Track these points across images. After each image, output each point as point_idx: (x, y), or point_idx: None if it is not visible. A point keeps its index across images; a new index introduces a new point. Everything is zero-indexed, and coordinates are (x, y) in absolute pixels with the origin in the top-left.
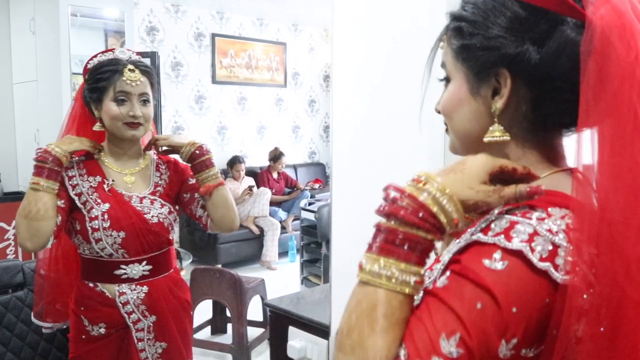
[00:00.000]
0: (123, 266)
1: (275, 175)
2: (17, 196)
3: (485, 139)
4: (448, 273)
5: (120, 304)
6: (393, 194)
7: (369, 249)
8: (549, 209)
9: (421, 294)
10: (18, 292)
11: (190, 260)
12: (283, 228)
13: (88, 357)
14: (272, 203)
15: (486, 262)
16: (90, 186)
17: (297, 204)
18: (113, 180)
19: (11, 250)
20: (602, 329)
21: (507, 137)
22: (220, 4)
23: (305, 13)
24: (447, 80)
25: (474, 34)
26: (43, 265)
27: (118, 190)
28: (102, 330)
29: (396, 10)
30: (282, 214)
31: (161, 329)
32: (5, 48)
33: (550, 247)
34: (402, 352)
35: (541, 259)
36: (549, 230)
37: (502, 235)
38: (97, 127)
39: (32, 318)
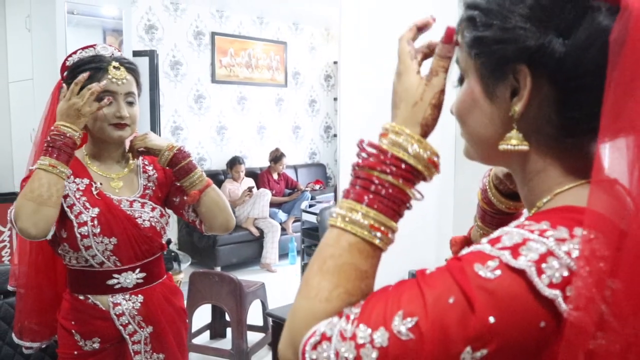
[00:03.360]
0: (116, 275)
1: (275, 176)
2: (13, 197)
3: (501, 147)
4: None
5: (115, 316)
6: (369, 149)
7: (343, 195)
8: (574, 229)
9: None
10: (9, 298)
11: (189, 262)
12: (283, 230)
13: None
14: (272, 204)
15: (477, 266)
16: (78, 189)
17: (297, 206)
18: (101, 184)
19: (6, 252)
20: None
21: (525, 147)
22: (220, 2)
23: (306, 12)
24: (461, 79)
25: (488, 24)
26: (21, 278)
27: (106, 194)
28: (96, 345)
29: (404, 7)
30: (282, 215)
31: (158, 339)
32: (0, 46)
33: (566, 273)
34: (355, 311)
35: (550, 285)
36: (568, 254)
37: (509, 251)
38: None
39: (13, 337)
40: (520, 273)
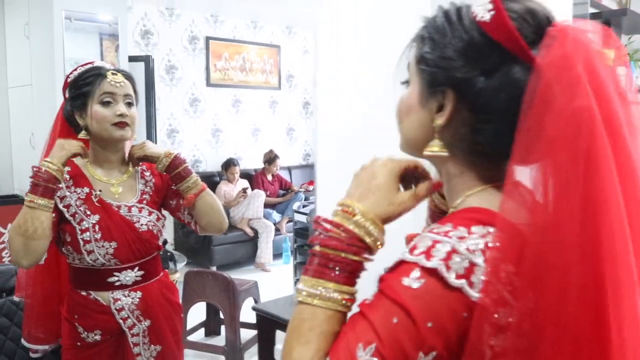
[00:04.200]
0: (116, 273)
1: (269, 177)
2: (13, 199)
3: (425, 152)
4: (375, 291)
5: (115, 311)
6: (324, 225)
7: (304, 272)
8: (472, 227)
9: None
10: (12, 296)
11: (185, 262)
12: (277, 230)
13: None
14: (267, 205)
15: (405, 280)
16: (79, 198)
17: (291, 206)
18: (100, 191)
19: (7, 253)
20: (523, 344)
21: (445, 153)
22: (215, 7)
23: (299, 15)
24: (408, 83)
25: (432, 48)
26: (27, 288)
27: (106, 201)
28: (98, 337)
29: (381, 15)
30: (276, 216)
31: (155, 332)
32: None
33: (467, 265)
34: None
35: (457, 277)
36: (468, 249)
37: (424, 255)
38: (82, 134)
39: (22, 341)
40: (435, 272)
